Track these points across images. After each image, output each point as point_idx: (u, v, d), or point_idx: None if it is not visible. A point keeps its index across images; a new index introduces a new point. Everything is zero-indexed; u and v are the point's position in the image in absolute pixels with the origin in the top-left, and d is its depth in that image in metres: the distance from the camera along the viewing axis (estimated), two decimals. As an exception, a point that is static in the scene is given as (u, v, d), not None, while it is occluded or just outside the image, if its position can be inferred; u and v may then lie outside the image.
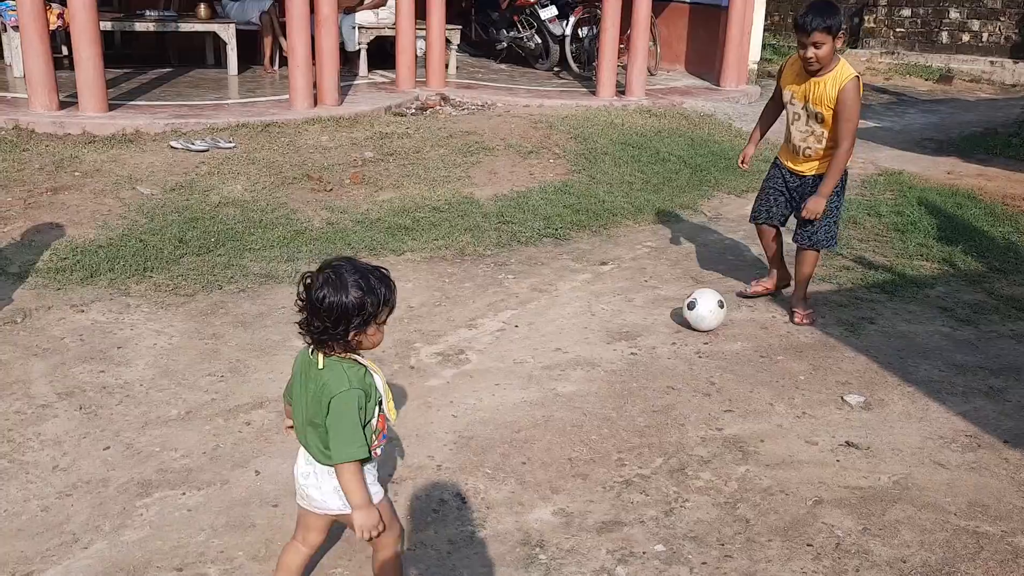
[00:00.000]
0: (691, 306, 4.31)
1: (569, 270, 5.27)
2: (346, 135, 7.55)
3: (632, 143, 7.77)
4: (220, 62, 10.42)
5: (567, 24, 10.64)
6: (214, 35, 10.05)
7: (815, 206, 4.25)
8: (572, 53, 10.77)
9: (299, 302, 2.27)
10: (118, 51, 10.84)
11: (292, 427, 2.44)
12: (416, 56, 9.74)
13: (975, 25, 13.55)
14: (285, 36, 8.81)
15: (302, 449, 2.33)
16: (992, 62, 13.27)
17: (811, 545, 2.74)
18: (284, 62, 9.53)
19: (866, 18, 15.10)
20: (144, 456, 3.18)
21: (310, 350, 2.31)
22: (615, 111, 8.84)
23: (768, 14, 12.66)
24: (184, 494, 2.98)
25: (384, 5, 10.21)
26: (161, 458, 3.17)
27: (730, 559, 2.68)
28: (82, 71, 7.17)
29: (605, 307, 4.70)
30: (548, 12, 10.89)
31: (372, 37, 10.27)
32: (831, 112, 4.15)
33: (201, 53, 10.70)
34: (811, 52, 4.06)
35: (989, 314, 4.56)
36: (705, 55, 11.46)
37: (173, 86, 9.13)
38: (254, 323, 4.38)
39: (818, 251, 4.47)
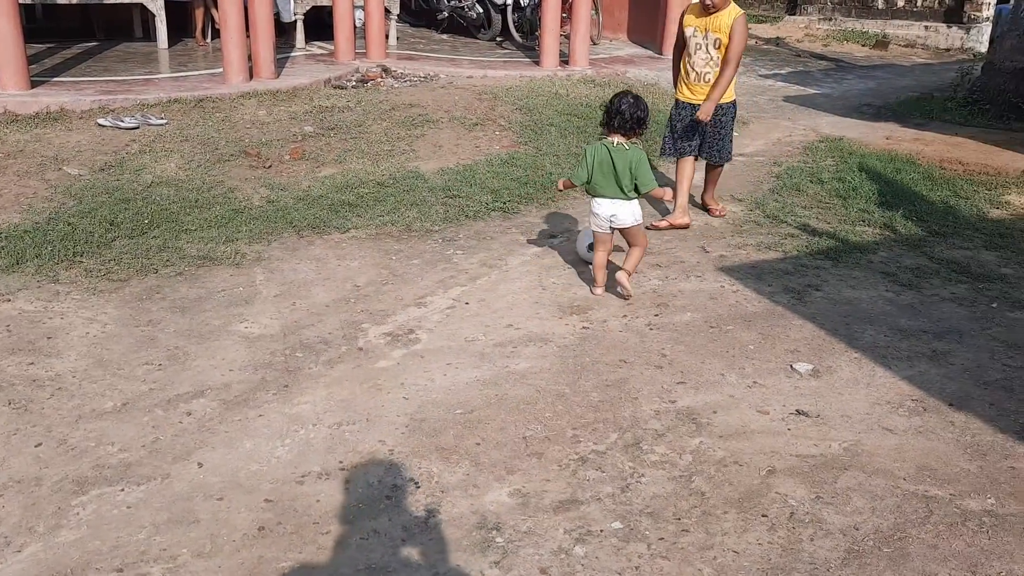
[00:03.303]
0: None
1: (519, 244, 5.20)
2: (284, 109, 7.34)
3: (578, 114, 7.70)
4: (149, 35, 10.05)
5: (508, -7, 10.49)
6: (142, 7, 9.66)
7: (708, 108, 5.29)
8: (514, 22, 10.63)
9: (608, 113, 4.31)
10: (40, 25, 10.38)
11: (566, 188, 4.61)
12: (355, 27, 9.50)
13: (910, -10, 13.74)
14: (217, 7, 8.51)
15: (607, 201, 4.34)
16: (926, 27, 13.48)
17: (766, 516, 2.75)
18: (217, 34, 9.23)
19: (804, -16, 15.19)
20: (79, 452, 3.05)
21: (614, 142, 4.29)
22: (559, 81, 8.75)
23: (708, -19, 12.62)
24: (123, 490, 2.86)
25: (319, -26, 9.92)
26: (97, 453, 3.04)
27: (687, 533, 2.67)
28: (1, 46, 6.81)
29: (556, 281, 4.66)
30: (489, -20, 10.72)
31: (308, 7, 10.00)
32: (728, 38, 5.20)
33: (128, 26, 10.30)
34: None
35: (930, 278, 4.63)
36: (647, 23, 11.41)
37: (99, 61, 8.77)
38: (192, 308, 4.23)
39: (722, 165, 5.68)
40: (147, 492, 2.85)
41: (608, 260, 4.50)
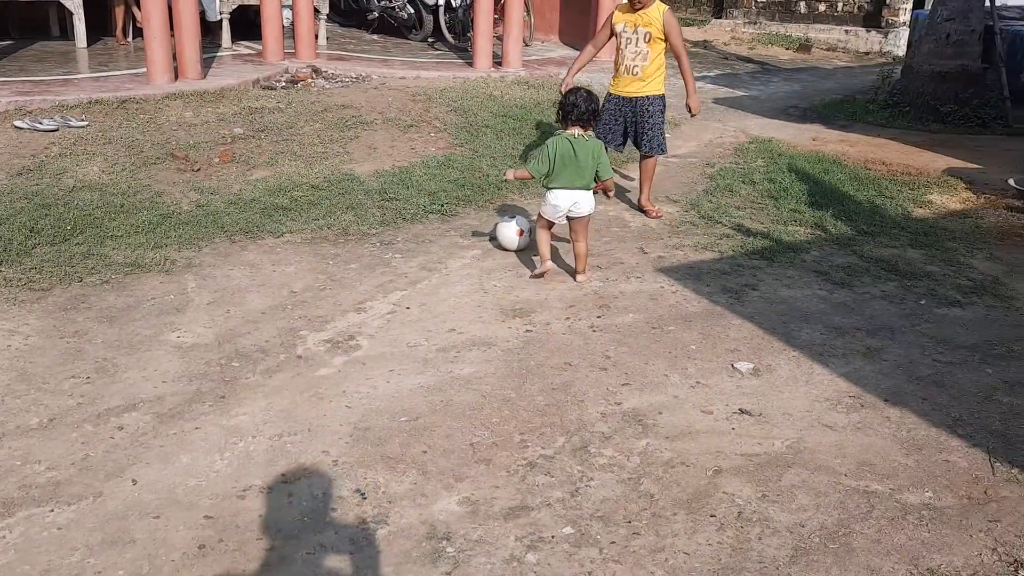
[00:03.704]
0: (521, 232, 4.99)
1: (458, 247, 5.16)
2: (212, 110, 7.14)
3: (512, 115, 7.69)
4: (66, 34, 9.67)
5: (440, -7, 10.42)
6: (58, 4, 9.29)
7: (696, 104, 5.84)
8: (447, 23, 10.58)
9: (564, 108, 4.55)
10: (-52, 22, 9.90)
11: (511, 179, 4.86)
12: (283, 26, 9.32)
13: (830, -5, 14.15)
14: (138, 5, 8.25)
15: (565, 191, 4.51)
16: (847, 31, 13.90)
17: (714, 516, 2.77)
18: (139, 33, 8.94)
19: (729, -12, 15.51)
20: (3, 471, 2.89)
21: (575, 134, 4.50)
22: (493, 82, 8.73)
23: (637, -16, 12.78)
24: (52, 511, 2.72)
25: (246, -28, 9.70)
26: (23, 472, 2.89)
27: (638, 536, 2.67)
28: (-94, 44, 6.47)
29: (497, 283, 4.63)
30: (420, -19, 10.64)
31: (235, 6, 9.77)
32: (660, 32, 5.52)
33: (45, 24, 9.90)
34: None
35: (861, 276, 4.75)
36: (578, 25, 11.48)
37: (15, 60, 8.41)
38: (121, 317, 4.07)
39: (660, 154, 5.90)
40: (79, 512, 2.72)
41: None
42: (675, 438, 3.19)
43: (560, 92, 5.41)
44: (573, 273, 4.71)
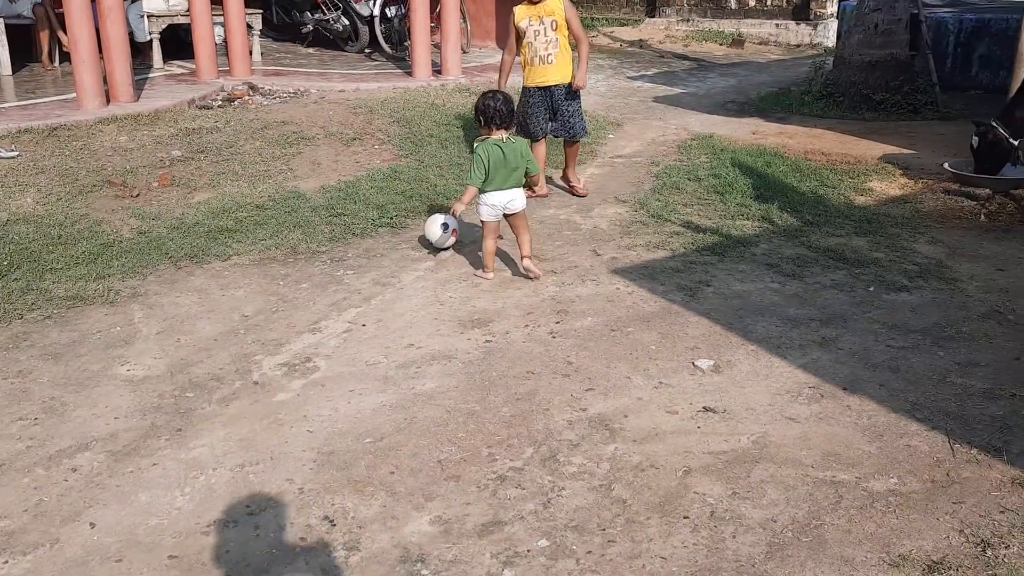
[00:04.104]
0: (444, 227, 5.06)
1: (410, 259, 5.11)
2: (148, 134, 6.97)
3: (456, 123, 7.66)
4: (-11, 61, 9.34)
5: (374, 4, 10.34)
6: (-22, 31, 8.98)
7: (582, 81, 6.01)
8: (383, 33, 10.49)
9: (485, 114, 4.67)
10: None
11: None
12: (216, 44, 9.15)
13: (759, -10, 14.40)
14: (64, 29, 8.01)
15: (501, 192, 4.68)
16: (777, 24, 14.16)
17: (687, 517, 2.77)
18: (65, 57, 8.69)
19: (661, -13, 15.68)
20: (-48, 525, 2.77)
21: (502, 138, 4.66)
22: (434, 91, 8.69)
23: (571, -14, 12.85)
24: (7, 562, 2.61)
25: (175, -10, 9.51)
26: (-26, 524, 2.77)
27: (613, 544, 2.66)
28: None
29: (452, 295, 4.59)
30: (353, -8, 10.54)
31: (164, 25, 9.56)
32: (563, 19, 5.82)
33: (-35, 52, 9.55)
34: None
35: (811, 266, 4.82)
36: (515, 30, 11.49)
37: (-65, 91, 8.10)
38: (66, 353, 3.94)
39: (579, 141, 6.23)
40: (35, 561, 2.61)
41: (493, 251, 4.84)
42: (643, 441, 3.19)
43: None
44: (520, 265, 4.81)
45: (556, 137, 6.23)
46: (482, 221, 4.79)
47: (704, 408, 3.40)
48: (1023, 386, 3.51)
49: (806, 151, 7.23)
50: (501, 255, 5.03)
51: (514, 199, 4.72)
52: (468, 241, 5.36)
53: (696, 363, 3.75)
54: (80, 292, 4.57)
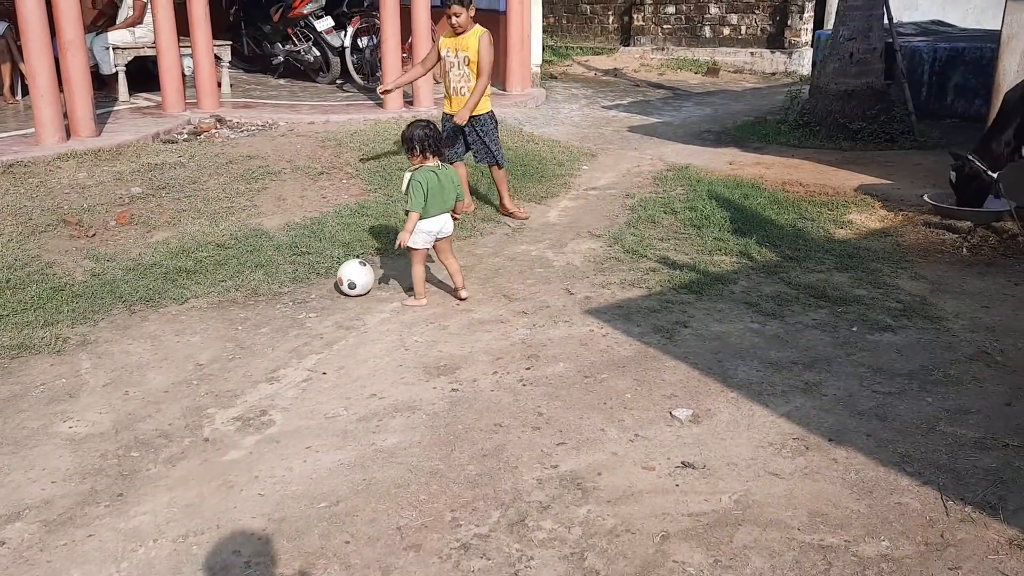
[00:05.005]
0: (352, 287, 4.88)
1: (376, 300, 4.90)
2: (108, 170, 6.74)
3: (426, 156, 7.48)
4: (-53, 94, 9.10)
5: (345, 35, 10.20)
6: (-64, 64, 8.74)
7: (463, 114, 5.94)
8: (354, 64, 10.34)
9: (420, 143, 4.71)
10: None
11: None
12: (184, 75, 8.95)
13: (734, 19, 14.43)
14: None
15: (434, 218, 4.71)
16: (752, 53, 14.18)
17: (666, 589, 2.56)
18: (28, 90, 8.45)
19: (635, 16, 15.71)
20: None
21: (437, 166, 4.73)
22: (405, 123, 8.50)
23: (543, 16, 12.81)
24: (-84, 656, 2.36)
25: (141, 22, 9.32)
26: None
27: (586, 622, 2.44)
28: None
29: (419, 339, 4.38)
30: (324, 23, 10.40)
31: (130, 58, 9.35)
32: (476, 55, 5.89)
33: (-77, 85, 9.31)
34: (454, 20, 5.87)
35: (791, 304, 4.66)
36: (489, 60, 11.38)
37: None
38: (5, 409, 3.69)
39: (502, 166, 6.31)
40: (-54, 656, 2.36)
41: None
42: (617, 502, 2.99)
43: (382, 92, 6.80)
44: (457, 297, 4.86)
45: (478, 163, 6.37)
46: (411, 249, 4.77)
47: (683, 463, 3.20)
48: (1016, 435, 3.35)
49: (784, 182, 7.12)
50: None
51: (446, 224, 4.80)
52: (436, 281, 5.16)
53: (674, 413, 3.56)
54: (26, 340, 4.33)
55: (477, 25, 6.01)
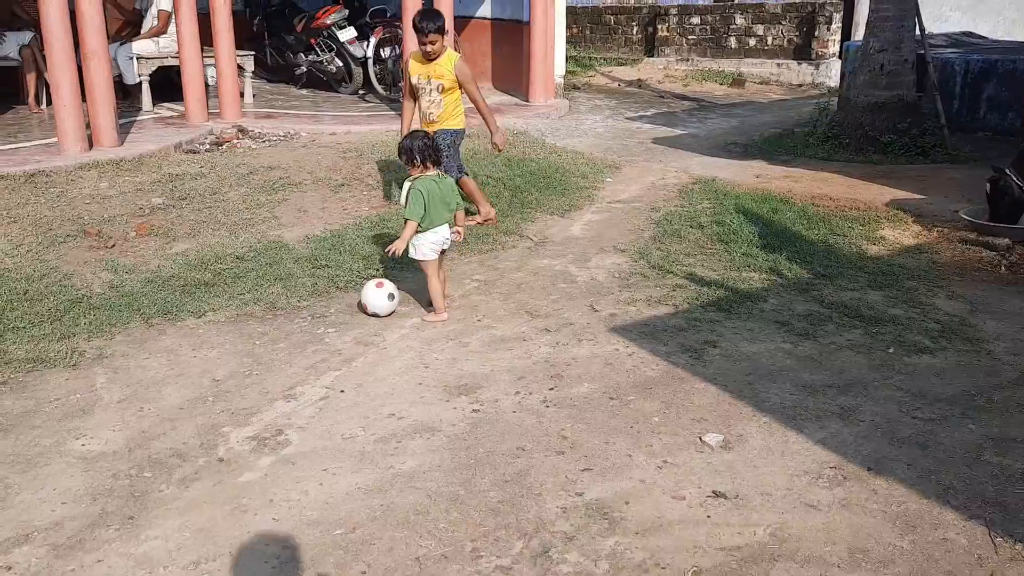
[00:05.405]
0: (375, 315, 4.73)
1: (396, 315, 4.80)
2: (129, 180, 6.71)
3: (449, 168, 7.39)
4: (-27, 104, 9.15)
5: (368, 45, 10.17)
6: (-38, 73, 8.79)
7: (502, 140, 6.08)
8: (376, 75, 10.31)
9: (420, 153, 4.65)
10: None
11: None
12: (207, 86, 8.94)
13: (760, 30, 14.27)
14: (47, 71, 7.79)
15: (439, 229, 4.68)
16: (778, 64, 14.01)
17: (698, 629, 2.43)
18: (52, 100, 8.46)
19: (659, 27, 15.59)
20: None
21: (436, 175, 4.71)
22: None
23: (566, 26, 12.72)
24: None
25: (165, 32, 9.32)
26: None
27: (613, 664, 2.31)
28: None
29: (439, 356, 4.27)
30: (347, 34, 10.37)
31: (154, 68, 9.35)
32: (452, 82, 5.74)
33: (-52, 95, 9.37)
34: (429, 47, 5.66)
35: (824, 324, 4.51)
36: (511, 71, 11.32)
37: (-88, 135, 7.87)
38: (18, 425, 3.62)
39: (467, 175, 6.16)
40: None
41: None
42: (646, 533, 2.85)
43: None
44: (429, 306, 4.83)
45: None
46: (420, 263, 4.73)
47: (714, 493, 3.06)
48: (1066, 466, 3.18)
49: (813, 196, 6.96)
50: (482, 306, 4.72)
51: (448, 236, 4.78)
52: (457, 296, 5.06)
53: (704, 438, 3.42)
54: (41, 354, 4.26)
55: (449, 49, 5.86)
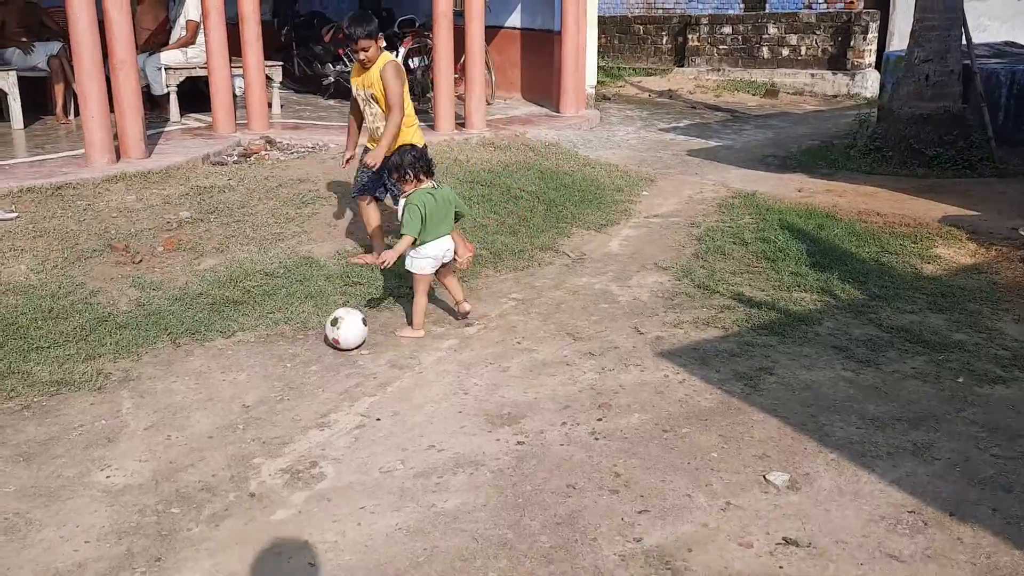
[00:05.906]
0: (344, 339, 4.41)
1: (432, 336, 4.61)
2: (157, 192, 6.57)
3: (480, 180, 7.21)
4: (2, 115, 9.07)
5: (397, 55, 10.01)
6: (-9, 84, 8.71)
7: (375, 155, 5.09)
8: (405, 85, 10.13)
9: (412, 168, 4.53)
10: None
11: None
12: (235, 96, 8.82)
13: (793, 39, 14.00)
14: (75, 82, 7.69)
15: (439, 241, 4.57)
16: (812, 75, 13.73)
17: None
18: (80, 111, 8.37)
19: (690, 37, 15.35)
20: None
21: (432, 187, 4.61)
22: (457, 146, 8.27)
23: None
24: None
25: (193, 43, 9.22)
26: None
27: None
28: None
29: (478, 382, 4.07)
30: (376, 43, 10.21)
31: (182, 78, 9.25)
32: (381, 92, 5.12)
33: (-24, 105, 9.30)
34: (362, 55, 5.10)
35: (886, 350, 4.26)
36: (541, 81, 11.12)
37: (-61, 147, 7.79)
38: (40, 454, 3.45)
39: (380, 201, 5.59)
40: None
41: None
42: (713, 585, 2.63)
43: (342, 167, 5.71)
44: (458, 313, 4.76)
45: (394, 205, 5.35)
46: (414, 276, 4.62)
47: (784, 540, 2.83)
48: None
49: (859, 211, 6.70)
50: (520, 327, 4.51)
51: (450, 247, 4.68)
52: (494, 316, 4.86)
53: (768, 477, 3.18)
54: (66, 376, 4.10)
55: (384, 53, 5.20)
